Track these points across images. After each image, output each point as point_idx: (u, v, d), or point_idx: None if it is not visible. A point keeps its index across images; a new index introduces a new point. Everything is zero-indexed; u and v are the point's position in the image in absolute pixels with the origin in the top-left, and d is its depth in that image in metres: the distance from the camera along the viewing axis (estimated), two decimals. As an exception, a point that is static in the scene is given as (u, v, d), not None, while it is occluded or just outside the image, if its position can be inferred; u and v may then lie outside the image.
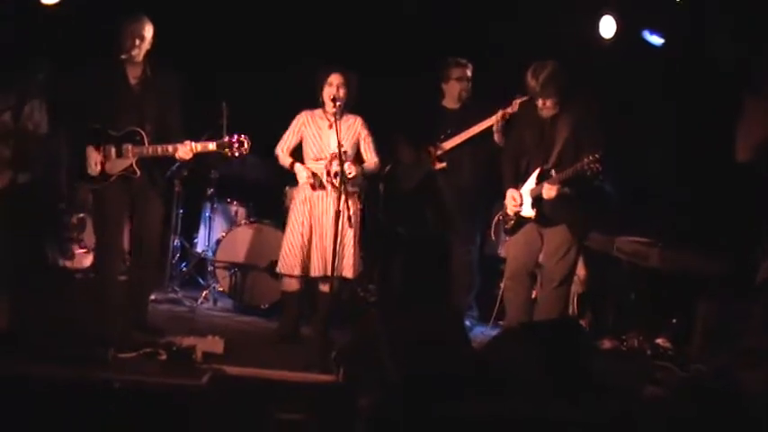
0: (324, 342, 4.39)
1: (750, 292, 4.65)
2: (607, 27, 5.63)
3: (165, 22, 4.59)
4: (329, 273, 4.64)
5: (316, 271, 4.77)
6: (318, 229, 4.77)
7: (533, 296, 4.90)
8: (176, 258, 5.99)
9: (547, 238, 4.69)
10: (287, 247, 4.80)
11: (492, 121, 5.16)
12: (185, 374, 3.51)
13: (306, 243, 4.77)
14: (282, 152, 4.89)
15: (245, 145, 4.50)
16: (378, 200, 5.75)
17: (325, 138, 4.80)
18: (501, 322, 5.18)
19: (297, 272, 4.77)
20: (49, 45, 5.06)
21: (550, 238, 4.67)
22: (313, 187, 4.77)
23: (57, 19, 5.10)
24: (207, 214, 5.95)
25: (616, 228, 5.32)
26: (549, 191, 4.51)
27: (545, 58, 4.50)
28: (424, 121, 5.50)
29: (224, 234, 5.75)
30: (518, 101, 4.97)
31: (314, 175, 4.78)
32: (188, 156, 4.48)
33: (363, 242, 5.01)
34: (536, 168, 4.64)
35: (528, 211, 4.67)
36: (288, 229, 4.84)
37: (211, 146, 4.51)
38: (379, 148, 4.96)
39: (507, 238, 4.91)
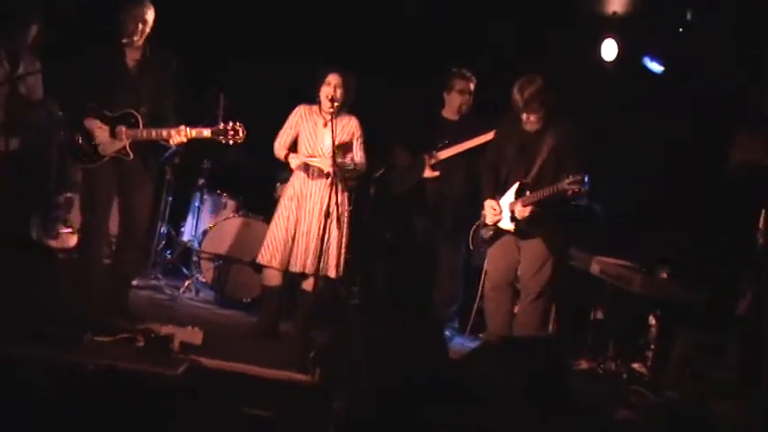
0: (303, 341, 4.38)
1: (728, 326, 4.69)
2: (609, 50, 5.68)
3: (166, 11, 4.57)
4: (309, 269, 4.64)
5: (295, 266, 4.76)
6: (304, 226, 4.77)
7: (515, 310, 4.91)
8: (161, 245, 5.96)
9: (523, 250, 4.71)
10: (269, 238, 4.80)
11: (488, 137, 5.17)
12: (161, 363, 3.48)
13: (289, 238, 4.76)
14: (279, 145, 4.91)
15: (240, 133, 4.48)
16: (367, 203, 5.75)
17: (319, 135, 4.81)
18: (480, 334, 5.19)
19: (275, 264, 4.76)
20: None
21: (527, 250, 4.69)
22: (306, 173, 4.78)
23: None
24: (196, 204, 5.91)
25: (606, 248, 5.33)
26: (521, 212, 4.55)
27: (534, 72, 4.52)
28: (422, 127, 5.51)
29: (212, 225, 5.73)
30: None
31: (306, 166, 4.80)
32: (181, 140, 4.45)
33: (350, 244, 5.01)
34: (515, 182, 4.66)
35: (507, 224, 4.69)
36: (273, 222, 4.85)
37: (206, 132, 4.50)
38: (374, 151, 4.95)
39: (483, 248, 4.92)
